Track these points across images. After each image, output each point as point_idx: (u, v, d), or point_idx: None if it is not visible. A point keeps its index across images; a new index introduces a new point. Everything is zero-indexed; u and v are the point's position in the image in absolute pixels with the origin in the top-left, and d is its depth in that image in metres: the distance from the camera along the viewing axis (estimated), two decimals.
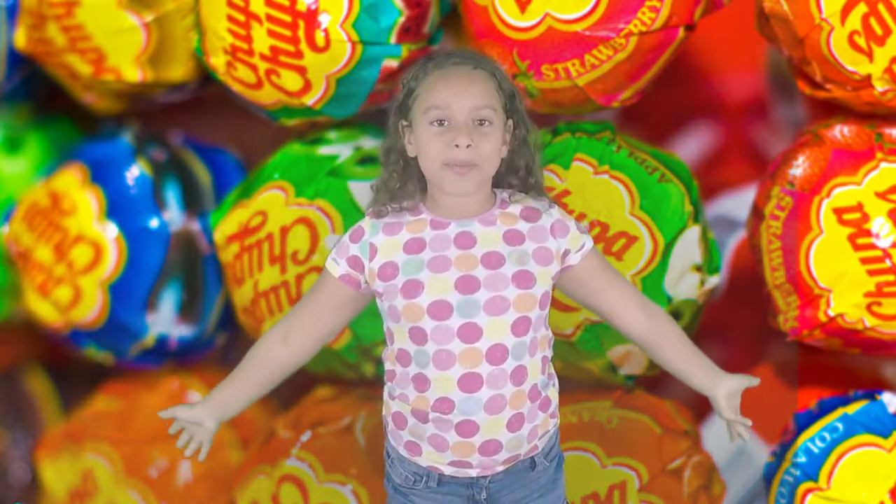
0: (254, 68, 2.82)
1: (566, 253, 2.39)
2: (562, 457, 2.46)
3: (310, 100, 2.84)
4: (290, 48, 2.78)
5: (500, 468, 2.39)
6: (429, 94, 2.36)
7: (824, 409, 2.82)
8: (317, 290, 2.43)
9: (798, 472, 2.76)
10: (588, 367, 2.83)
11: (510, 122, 2.40)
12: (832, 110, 2.91)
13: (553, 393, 2.41)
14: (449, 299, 2.33)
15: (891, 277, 2.73)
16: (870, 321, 2.75)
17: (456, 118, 2.34)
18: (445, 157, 2.34)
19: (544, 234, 2.39)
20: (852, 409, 2.78)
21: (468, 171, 2.34)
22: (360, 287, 2.40)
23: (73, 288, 3.08)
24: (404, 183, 2.40)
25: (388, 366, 2.40)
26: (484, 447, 2.35)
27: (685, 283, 2.77)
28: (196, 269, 3.09)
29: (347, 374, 2.94)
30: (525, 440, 2.37)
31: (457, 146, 2.33)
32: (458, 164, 2.34)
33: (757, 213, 2.86)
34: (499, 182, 2.43)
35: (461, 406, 2.33)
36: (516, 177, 2.43)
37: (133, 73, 3.02)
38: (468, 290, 2.33)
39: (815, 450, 2.76)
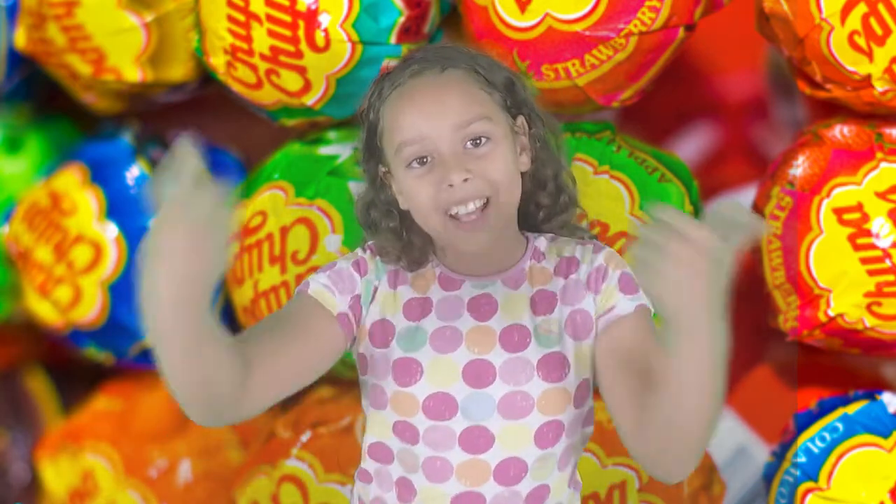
0: (254, 68, 2.82)
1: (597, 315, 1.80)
2: None
3: (310, 100, 2.84)
4: (290, 48, 2.78)
5: None
6: (394, 126, 1.76)
7: (824, 409, 2.82)
8: (301, 320, 1.77)
9: (798, 472, 2.76)
10: None
11: (520, 119, 1.85)
12: (832, 110, 2.90)
13: (576, 498, 1.88)
14: (453, 393, 1.75)
15: (891, 277, 2.73)
16: (870, 321, 2.75)
17: (438, 149, 1.73)
18: (442, 204, 1.74)
19: (580, 292, 1.81)
20: (852, 409, 2.78)
21: (480, 216, 1.73)
22: (351, 337, 1.81)
23: (73, 288, 3.07)
24: (409, 239, 1.81)
25: (362, 464, 1.85)
26: None
27: None
28: None
29: (347, 374, 2.93)
30: None
31: (451, 186, 1.73)
32: (461, 205, 1.72)
33: (757, 213, 2.86)
34: (526, 203, 1.85)
35: None
36: (545, 193, 1.86)
37: (133, 73, 3.02)
38: (479, 382, 1.75)
39: (815, 450, 2.76)
